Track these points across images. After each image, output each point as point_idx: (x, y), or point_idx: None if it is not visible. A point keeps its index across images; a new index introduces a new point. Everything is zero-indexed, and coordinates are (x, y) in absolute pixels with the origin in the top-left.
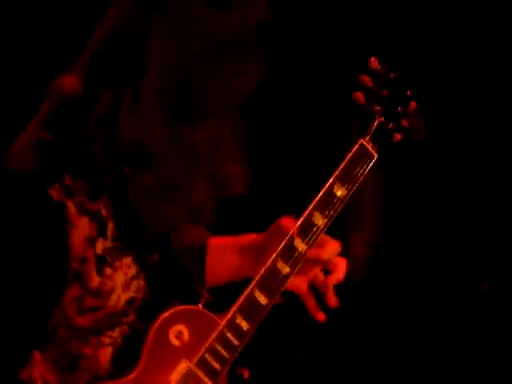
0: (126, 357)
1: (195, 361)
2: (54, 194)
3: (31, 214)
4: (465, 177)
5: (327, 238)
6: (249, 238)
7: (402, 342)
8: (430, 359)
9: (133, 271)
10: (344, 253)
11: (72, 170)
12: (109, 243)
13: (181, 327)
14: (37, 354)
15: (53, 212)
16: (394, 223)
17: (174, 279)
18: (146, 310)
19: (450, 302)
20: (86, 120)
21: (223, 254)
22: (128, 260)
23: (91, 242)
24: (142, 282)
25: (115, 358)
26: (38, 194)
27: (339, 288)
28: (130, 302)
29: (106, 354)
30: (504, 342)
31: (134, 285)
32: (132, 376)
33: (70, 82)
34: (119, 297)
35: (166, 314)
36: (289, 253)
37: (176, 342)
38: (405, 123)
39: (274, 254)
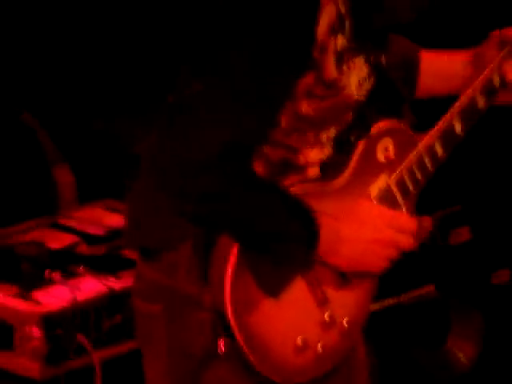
0: (333, 165)
1: (394, 178)
2: None
3: None
4: None
5: None
6: (462, 51)
7: None
8: None
9: (364, 73)
10: None
11: None
12: (346, 42)
13: (389, 143)
14: None
15: None
16: None
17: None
18: (363, 115)
19: None
20: None
21: (436, 65)
22: (360, 61)
23: (334, 33)
24: (369, 86)
25: (322, 166)
26: None
27: None
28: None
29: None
30: None
31: (364, 86)
32: (336, 181)
33: None
34: (351, 96)
35: (379, 127)
36: (488, 87)
37: (381, 157)
38: None
39: (477, 84)
